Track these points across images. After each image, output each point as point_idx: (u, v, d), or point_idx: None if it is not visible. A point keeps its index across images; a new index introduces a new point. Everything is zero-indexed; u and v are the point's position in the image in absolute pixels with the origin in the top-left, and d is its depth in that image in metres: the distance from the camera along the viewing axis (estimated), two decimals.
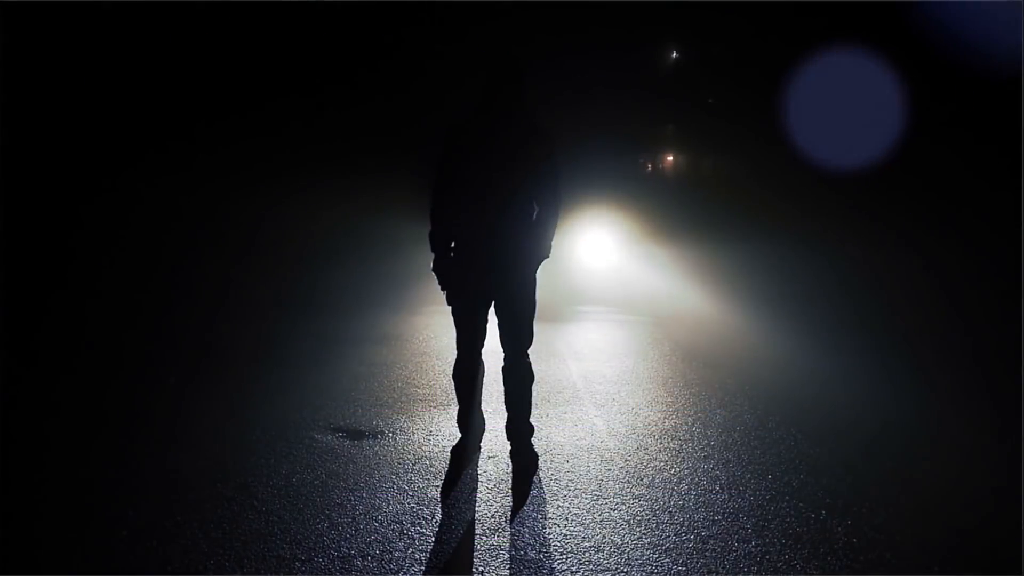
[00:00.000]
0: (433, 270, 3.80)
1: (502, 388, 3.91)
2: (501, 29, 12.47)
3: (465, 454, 3.91)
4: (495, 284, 3.79)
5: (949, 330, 7.56)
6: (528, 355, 3.91)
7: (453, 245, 3.81)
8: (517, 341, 3.87)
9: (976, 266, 8.74)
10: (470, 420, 4.00)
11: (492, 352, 3.98)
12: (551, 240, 3.84)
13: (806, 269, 10.09)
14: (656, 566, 2.87)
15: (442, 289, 3.83)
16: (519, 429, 3.94)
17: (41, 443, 4.01)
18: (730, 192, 13.67)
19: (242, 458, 3.81)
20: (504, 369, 3.96)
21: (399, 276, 9.40)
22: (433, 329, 7.12)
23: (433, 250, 3.79)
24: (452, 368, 4.01)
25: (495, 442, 4.12)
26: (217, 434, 4.20)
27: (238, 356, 6.09)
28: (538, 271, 3.86)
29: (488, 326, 3.93)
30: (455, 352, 3.94)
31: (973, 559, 2.98)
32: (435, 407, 4.77)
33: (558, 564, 2.87)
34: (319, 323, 7.40)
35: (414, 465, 3.81)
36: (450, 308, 3.88)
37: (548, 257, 3.84)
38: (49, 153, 8.77)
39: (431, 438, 4.21)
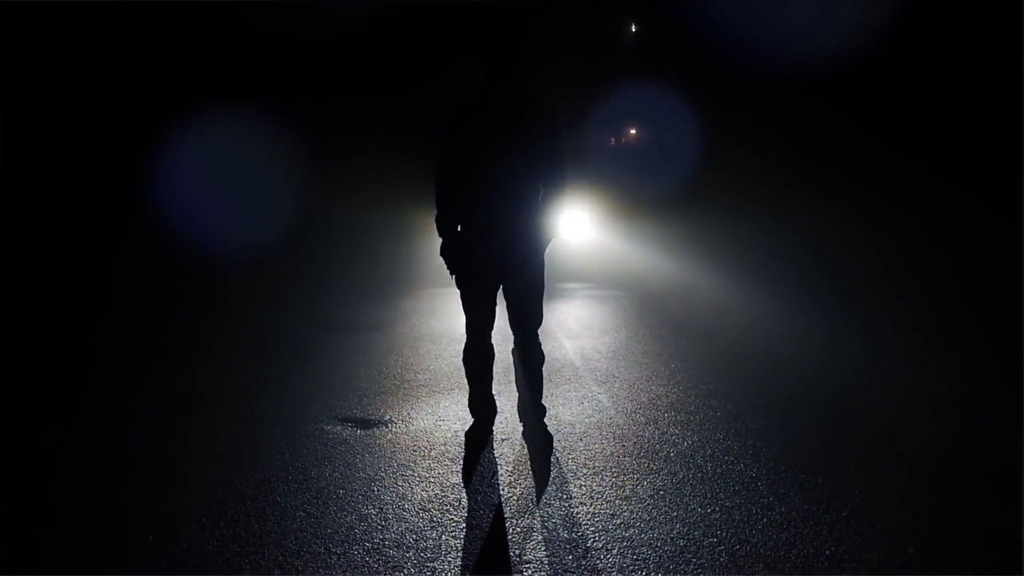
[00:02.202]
0: (441, 254, 3.76)
1: (508, 371, 3.90)
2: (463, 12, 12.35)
3: (479, 438, 3.91)
4: (504, 266, 3.78)
5: (929, 296, 7.77)
6: (538, 335, 3.92)
7: (460, 228, 3.78)
8: (527, 322, 3.87)
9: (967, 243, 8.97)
10: (482, 403, 4.00)
11: (496, 334, 3.98)
12: (557, 220, 3.83)
13: (776, 238, 10.26)
14: (688, 539, 2.91)
15: (451, 273, 3.81)
16: (531, 410, 3.95)
17: (46, 448, 3.90)
18: (697, 166, 13.76)
19: (256, 455, 3.76)
20: (514, 350, 3.97)
21: (379, 263, 9.29)
22: (422, 314, 7.07)
23: (440, 234, 3.75)
24: (461, 352, 3.99)
25: (507, 424, 4.12)
26: (225, 432, 4.14)
27: (233, 350, 5.99)
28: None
29: (497, 308, 3.91)
30: (456, 335, 3.93)
31: (995, 526, 3.08)
32: (439, 392, 4.75)
33: (592, 543, 2.89)
34: (307, 312, 7.31)
35: (430, 452, 3.79)
36: (459, 292, 3.86)
37: (556, 237, 3.84)
38: (44, 150, 8.52)
39: (441, 423, 4.20)
